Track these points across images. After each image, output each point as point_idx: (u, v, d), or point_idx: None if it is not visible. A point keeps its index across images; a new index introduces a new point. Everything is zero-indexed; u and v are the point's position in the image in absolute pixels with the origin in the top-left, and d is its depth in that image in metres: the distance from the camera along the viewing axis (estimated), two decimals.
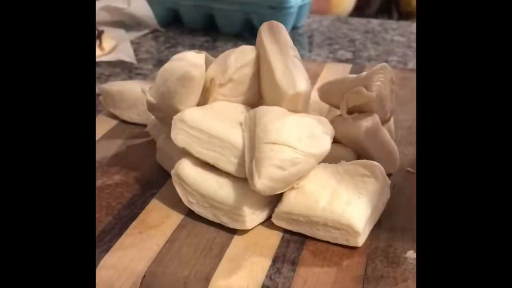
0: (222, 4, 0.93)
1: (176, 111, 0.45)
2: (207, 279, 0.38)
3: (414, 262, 0.40)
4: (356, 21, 1.09)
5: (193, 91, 0.46)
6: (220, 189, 0.43)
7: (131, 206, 0.46)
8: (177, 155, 0.45)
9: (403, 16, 1.44)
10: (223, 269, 0.39)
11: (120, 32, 0.93)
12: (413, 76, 0.69)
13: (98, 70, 0.79)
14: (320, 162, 0.44)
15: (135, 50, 0.87)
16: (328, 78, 0.58)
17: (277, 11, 0.91)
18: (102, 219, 0.44)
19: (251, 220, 0.43)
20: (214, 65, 0.48)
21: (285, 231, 0.43)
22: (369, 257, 0.40)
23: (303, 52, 0.90)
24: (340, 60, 0.86)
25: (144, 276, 0.39)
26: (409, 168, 0.51)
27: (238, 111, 0.47)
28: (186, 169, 0.44)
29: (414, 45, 0.91)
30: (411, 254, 0.41)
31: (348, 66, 0.76)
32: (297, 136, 0.42)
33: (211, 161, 0.44)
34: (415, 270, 0.39)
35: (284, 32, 0.48)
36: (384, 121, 0.50)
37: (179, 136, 0.44)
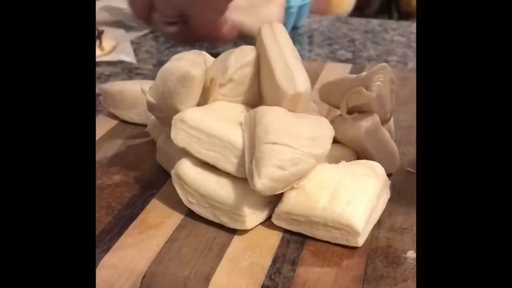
0: None
1: (176, 111, 0.45)
2: (207, 279, 0.38)
3: (414, 262, 0.40)
4: (356, 21, 1.09)
5: (193, 91, 0.46)
6: (220, 189, 0.43)
7: (131, 206, 0.46)
8: (177, 155, 0.45)
9: (403, 16, 1.45)
10: (223, 269, 0.39)
11: (120, 32, 0.93)
12: (413, 76, 0.69)
13: (98, 70, 0.79)
14: (320, 162, 0.44)
15: (135, 50, 0.87)
16: (328, 78, 0.58)
17: None
18: (102, 219, 0.44)
19: (251, 220, 0.43)
20: (214, 65, 0.48)
21: (285, 231, 0.43)
22: (369, 257, 0.40)
23: (303, 52, 0.90)
24: (340, 60, 0.86)
25: (144, 276, 0.39)
26: (409, 168, 0.51)
27: (238, 111, 0.47)
28: (186, 169, 0.44)
29: (414, 45, 0.91)
30: (411, 254, 0.41)
31: (348, 66, 0.76)
32: (297, 136, 0.42)
33: (211, 161, 0.44)
34: (415, 270, 0.39)
35: (284, 32, 0.48)
36: (384, 121, 0.50)
37: (179, 136, 0.44)
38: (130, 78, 0.78)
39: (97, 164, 0.52)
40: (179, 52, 0.49)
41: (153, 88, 0.47)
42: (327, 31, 1.01)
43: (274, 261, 0.40)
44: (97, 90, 0.62)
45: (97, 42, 0.83)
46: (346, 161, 0.46)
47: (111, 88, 0.61)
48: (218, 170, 0.44)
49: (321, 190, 0.42)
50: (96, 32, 0.84)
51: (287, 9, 0.92)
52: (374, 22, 1.07)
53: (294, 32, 0.98)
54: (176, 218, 0.45)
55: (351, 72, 0.73)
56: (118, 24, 0.96)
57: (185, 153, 0.45)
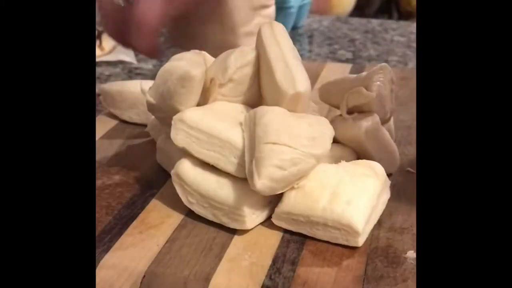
0: None
1: (176, 111, 0.45)
2: (207, 279, 0.38)
3: (414, 262, 0.40)
4: (356, 21, 1.09)
5: (193, 91, 0.46)
6: (220, 189, 0.43)
7: (131, 206, 0.46)
8: (177, 155, 0.45)
9: (403, 16, 1.45)
10: (223, 269, 0.39)
11: None
12: (413, 76, 0.69)
13: (98, 70, 0.79)
14: (320, 162, 0.44)
15: None
16: (328, 78, 0.58)
17: (277, 11, 0.91)
18: (102, 219, 0.44)
19: (251, 220, 0.43)
20: (214, 65, 0.48)
21: (285, 231, 0.43)
22: (369, 257, 0.40)
23: (303, 52, 0.90)
24: (340, 60, 0.86)
25: (144, 276, 0.39)
26: (409, 168, 0.51)
27: (238, 111, 0.47)
28: (186, 169, 0.44)
29: (414, 45, 0.91)
30: (411, 254, 0.41)
31: (348, 66, 0.76)
32: (297, 136, 0.42)
33: (211, 161, 0.44)
34: (415, 270, 0.39)
35: (284, 32, 0.48)
36: (384, 121, 0.50)
37: (179, 136, 0.44)
38: (130, 78, 0.78)
39: (97, 164, 0.52)
40: (179, 52, 0.49)
41: (153, 88, 0.47)
42: (327, 31, 1.01)
43: (274, 261, 0.40)
44: (97, 90, 0.62)
45: (97, 42, 0.83)
46: (346, 161, 0.46)
47: (111, 88, 0.61)
48: (218, 170, 0.44)
49: (321, 190, 0.42)
50: (96, 32, 0.84)
51: (287, 9, 0.92)
52: (374, 22, 1.07)
53: (294, 32, 0.98)
54: (176, 218, 0.45)
55: (351, 72, 0.73)
56: None
57: (185, 153, 0.45)
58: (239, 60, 0.47)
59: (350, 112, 0.48)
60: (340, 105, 0.49)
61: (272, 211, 0.44)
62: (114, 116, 0.61)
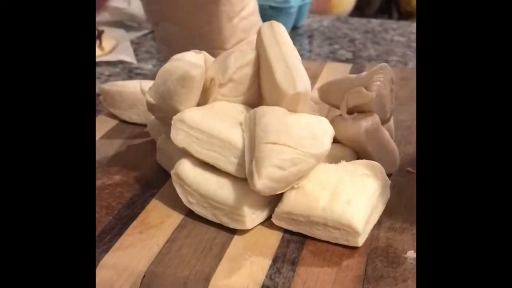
0: None
1: (176, 111, 0.45)
2: (207, 279, 0.38)
3: (414, 262, 0.40)
4: (356, 21, 1.09)
5: (193, 91, 0.46)
6: (220, 189, 0.43)
7: (131, 206, 0.46)
8: (177, 155, 0.45)
9: (403, 16, 1.45)
10: (223, 269, 0.39)
11: (120, 32, 0.93)
12: (413, 76, 0.69)
13: (98, 70, 0.79)
14: (320, 162, 0.44)
15: (135, 50, 0.87)
16: (328, 78, 0.58)
17: (277, 11, 0.91)
18: (102, 219, 0.44)
19: (251, 220, 0.43)
20: (214, 65, 0.48)
21: (285, 231, 0.43)
22: (369, 257, 0.40)
23: (303, 52, 0.90)
24: (340, 60, 0.86)
25: (144, 276, 0.39)
26: (409, 168, 0.51)
27: (238, 111, 0.47)
28: (186, 169, 0.44)
29: (414, 45, 0.91)
30: (411, 254, 0.41)
31: (348, 66, 0.76)
32: (297, 136, 0.42)
33: (211, 161, 0.44)
34: (415, 270, 0.39)
35: (284, 32, 0.48)
36: (384, 121, 0.50)
37: (179, 136, 0.44)
38: (130, 78, 0.78)
39: (97, 164, 0.52)
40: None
41: (153, 88, 0.47)
42: (327, 31, 1.01)
43: (274, 261, 0.40)
44: (97, 90, 0.62)
45: (97, 42, 0.83)
46: (346, 161, 0.46)
47: (111, 88, 0.61)
48: (218, 170, 0.44)
49: (321, 190, 0.42)
50: (96, 32, 0.84)
51: (287, 9, 0.92)
52: (374, 22, 1.07)
53: (294, 32, 0.98)
54: (176, 218, 0.45)
55: (351, 72, 0.73)
56: (118, 24, 0.96)
57: (185, 153, 0.45)
58: (239, 60, 0.47)
59: (350, 112, 0.49)
60: (340, 105, 0.49)
61: (272, 211, 0.44)
62: (114, 116, 0.61)
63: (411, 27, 1.03)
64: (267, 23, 0.49)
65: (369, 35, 0.99)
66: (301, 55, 0.48)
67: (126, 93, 0.59)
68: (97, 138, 0.57)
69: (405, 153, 0.53)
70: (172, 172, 0.45)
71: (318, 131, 0.44)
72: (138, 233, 0.43)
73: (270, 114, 0.43)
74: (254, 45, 0.49)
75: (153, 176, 0.50)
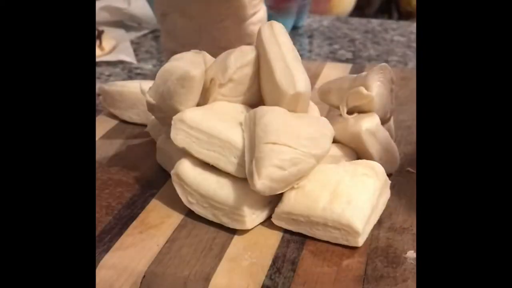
0: None
1: (176, 111, 0.45)
2: (207, 279, 0.38)
3: (414, 262, 0.40)
4: (356, 21, 1.09)
5: (193, 91, 0.46)
6: (220, 189, 0.43)
7: (131, 206, 0.46)
8: (177, 155, 0.45)
9: (403, 16, 1.45)
10: (223, 269, 0.39)
11: (120, 32, 0.93)
12: (413, 76, 0.69)
13: (98, 70, 0.79)
14: (320, 162, 0.44)
15: (135, 50, 0.87)
16: (328, 78, 0.58)
17: (277, 11, 0.91)
18: (102, 219, 0.44)
19: (251, 220, 0.43)
20: (214, 65, 0.48)
21: (285, 231, 0.43)
22: (369, 257, 0.40)
23: (303, 52, 0.90)
24: (340, 60, 0.86)
25: (144, 276, 0.39)
26: (409, 168, 0.51)
27: (238, 111, 0.47)
28: (186, 169, 0.44)
29: (414, 45, 0.91)
30: (411, 254, 0.41)
31: (348, 66, 0.76)
32: (297, 136, 0.42)
33: (211, 161, 0.44)
34: (415, 270, 0.39)
35: (284, 32, 0.48)
36: (384, 121, 0.50)
37: (179, 136, 0.44)
38: (130, 78, 0.78)
39: (97, 164, 0.52)
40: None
41: (153, 88, 0.47)
42: (327, 31, 1.01)
43: (274, 261, 0.40)
44: (97, 90, 0.62)
45: (97, 42, 0.83)
46: (346, 161, 0.46)
47: (111, 88, 0.61)
48: (218, 170, 0.44)
49: (321, 190, 0.42)
50: (96, 32, 0.84)
51: (287, 9, 0.92)
52: (374, 22, 1.07)
53: (294, 32, 0.98)
54: (176, 218, 0.45)
55: (351, 72, 0.73)
56: (118, 24, 0.96)
57: (185, 153, 0.45)
58: (239, 60, 0.47)
59: (350, 112, 0.49)
60: (340, 105, 0.49)
61: (272, 211, 0.44)
62: (114, 116, 0.61)
63: (411, 27, 1.03)
64: (267, 23, 0.49)
65: (369, 35, 0.99)
66: (301, 55, 0.48)
67: (126, 93, 0.59)
68: (97, 138, 0.57)
69: (405, 153, 0.53)
70: (172, 172, 0.45)
71: (318, 131, 0.44)
72: (138, 233, 0.43)
73: (270, 114, 0.43)
74: (254, 45, 0.49)
75: (153, 176, 0.50)
